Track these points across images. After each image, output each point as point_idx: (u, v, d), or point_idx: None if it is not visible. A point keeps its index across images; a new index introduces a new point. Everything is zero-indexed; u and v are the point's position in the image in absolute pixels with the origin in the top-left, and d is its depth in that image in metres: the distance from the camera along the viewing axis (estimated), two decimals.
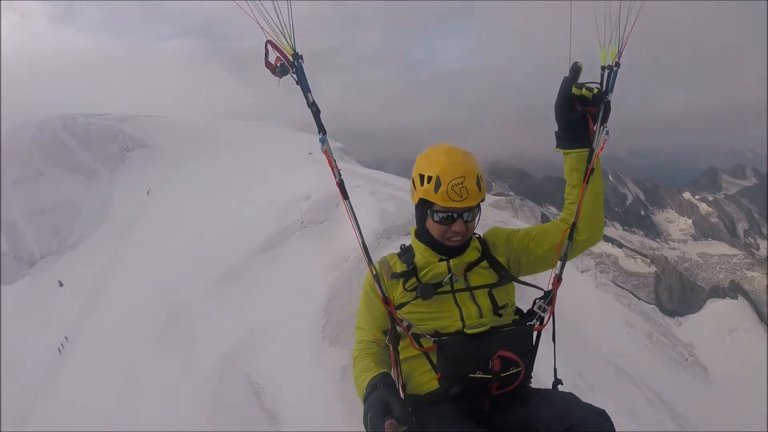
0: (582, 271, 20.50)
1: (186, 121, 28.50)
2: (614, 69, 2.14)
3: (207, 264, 13.06)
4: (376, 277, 2.35)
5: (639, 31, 2.02)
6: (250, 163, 21.17)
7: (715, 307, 29.57)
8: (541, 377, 2.41)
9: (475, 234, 2.50)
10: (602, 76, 2.17)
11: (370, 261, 2.36)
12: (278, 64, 2.09)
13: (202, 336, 10.57)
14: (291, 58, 2.08)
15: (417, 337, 2.27)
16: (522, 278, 2.51)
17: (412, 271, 2.38)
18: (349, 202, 2.32)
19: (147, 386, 9.59)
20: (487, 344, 2.17)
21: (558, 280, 2.41)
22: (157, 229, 16.42)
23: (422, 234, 2.43)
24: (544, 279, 2.41)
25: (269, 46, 2.06)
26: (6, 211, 16.88)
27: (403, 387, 2.41)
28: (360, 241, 2.28)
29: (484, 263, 2.41)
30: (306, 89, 2.14)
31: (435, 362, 2.25)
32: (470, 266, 2.38)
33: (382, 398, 2.04)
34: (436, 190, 2.21)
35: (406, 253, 2.49)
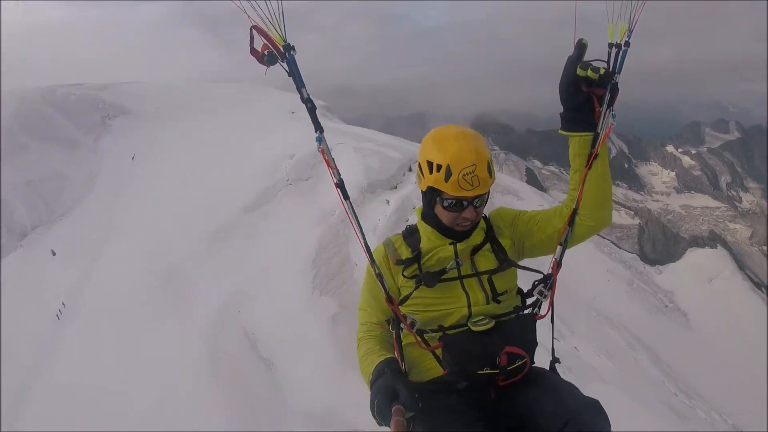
0: None
1: (166, 85, 28.34)
2: (623, 48, 2.00)
3: (197, 225, 13.33)
4: (379, 276, 2.28)
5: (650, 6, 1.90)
6: (232, 124, 21.25)
7: (694, 256, 30.06)
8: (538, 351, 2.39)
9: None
10: (609, 54, 2.05)
11: (372, 262, 2.30)
12: (266, 53, 1.93)
13: (197, 292, 10.93)
14: (282, 50, 1.93)
15: (421, 333, 2.25)
16: (523, 262, 2.45)
17: (415, 258, 2.33)
18: (350, 203, 2.21)
19: (147, 342, 9.93)
20: (494, 340, 2.13)
21: (558, 265, 2.35)
22: (145, 193, 16.57)
23: (429, 218, 2.36)
24: (545, 262, 2.38)
25: (255, 32, 1.90)
26: None
27: (407, 373, 2.36)
28: (362, 242, 2.22)
29: (488, 246, 2.35)
30: (300, 84, 2.02)
31: (441, 357, 2.23)
32: (475, 249, 2.33)
33: (389, 384, 2.03)
34: (446, 180, 2.13)
35: (411, 235, 2.43)
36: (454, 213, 2.21)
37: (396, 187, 13.14)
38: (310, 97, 2.05)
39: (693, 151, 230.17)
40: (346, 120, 30.58)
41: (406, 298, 2.29)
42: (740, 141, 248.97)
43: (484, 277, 2.29)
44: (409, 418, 1.98)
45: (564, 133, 2.19)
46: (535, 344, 2.25)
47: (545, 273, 2.33)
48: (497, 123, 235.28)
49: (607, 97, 2.03)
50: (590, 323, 15.02)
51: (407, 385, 2.02)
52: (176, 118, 22.16)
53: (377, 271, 2.28)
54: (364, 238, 2.21)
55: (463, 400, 2.17)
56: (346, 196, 2.18)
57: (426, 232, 2.36)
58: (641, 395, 11.33)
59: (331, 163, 2.12)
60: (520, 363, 2.12)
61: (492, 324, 2.16)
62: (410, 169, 14.51)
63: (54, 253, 14.48)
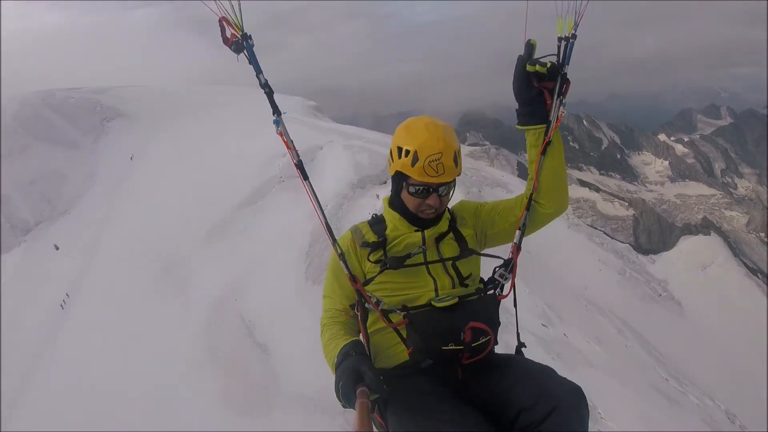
0: None
1: (161, 89, 28.98)
2: (570, 41, 2.10)
3: (195, 220, 13.71)
4: (342, 256, 2.33)
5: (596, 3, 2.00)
6: (225, 124, 21.77)
7: (688, 243, 30.00)
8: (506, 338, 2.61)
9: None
10: (559, 47, 2.14)
11: (334, 241, 2.36)
12: (234, 41, 2.10)
13: (195, 284, 11.26)
14: (240, 39, 2.08)
15: (386, 313, 2.28)
16: (485, 250, 2.54)
17: (381, 243, 2.38)
18: (309, 183, 2.30)
19: (146, 329, 10.24)
20: (457, 316, 2.17)
21: (517, 249, 2.41)
22: (143, 191, 17.00)
23: (396, 204, 2.43)
24: (507, 250, 2.46)
25: (224, 23, 2.08)
26: None
27: (371, 355, 2.38)
28: (323, 221, 2.30)
29: (451, 235, 2.42)
30: (258, 70, 2.17)
31: (405, 336, 2.26)
32: (440, 237, 2.40)
33: (354, 366, 2.02)
34: (413, 165, 2.21)
35: (377, 223, 2.49)
36: (418, 199, 2.29)
37: (386, 182, 13.35)
38: (268, 82, 2.22)
39: (686, 139, 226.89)
40: (336, 119, 30.93)
41: (370, 280, 2.36)
42: (733, 126, 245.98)
43: (449, 263, 2.37)
44: (374, 400, 2.00)
45: (520, 127, 2.32)
46: (498, 324, 2.29)
47: (505, 258, 2.42)
48: (487, 118, 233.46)
49: (557, 87, 2.15)
50: (580, 311, 15.06)
51: (372, 367, 2.03)
52: (172, 120, 22.64)
53: (339, 251, 2.34)
54: (325, 218, 2.31)
55: (431, 380, 2.20)
56: (305, 177, 2.29)
57: (393, 219, 2.44)
58: (629, 379, 11.44)
59: (289, 145, 2.28)
60: (484, 340, 2.17)
61: (455, 300, 2.22)
62: None
63: (57, 248, 14.88)
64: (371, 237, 2.42)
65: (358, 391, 1.88)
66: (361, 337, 2.38)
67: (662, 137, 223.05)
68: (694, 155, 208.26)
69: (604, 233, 27.03)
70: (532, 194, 2.35)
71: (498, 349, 2.36)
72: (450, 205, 2.52)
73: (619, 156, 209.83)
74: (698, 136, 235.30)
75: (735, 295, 24.89)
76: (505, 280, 2.38)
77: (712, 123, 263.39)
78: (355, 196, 13.00)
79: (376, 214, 2.56)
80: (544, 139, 2.23)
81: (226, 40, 2.10)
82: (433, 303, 2.23)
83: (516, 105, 2.30)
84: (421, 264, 2.33)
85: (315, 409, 7.42)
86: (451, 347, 2.12)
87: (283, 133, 2.25)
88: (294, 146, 2.29)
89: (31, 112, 20.85)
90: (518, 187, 22.49)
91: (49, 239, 15.50)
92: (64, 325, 11.49)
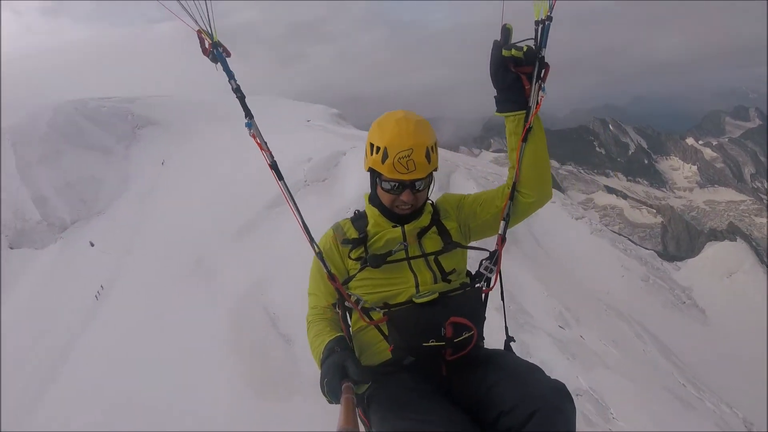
0: (576, 219, 20.56)
1: (189, 98, 29.68)
2: (546, 23, 2.05)
3: (223, 221, 14.23)
4: (320, 255, 2.36)
5: None
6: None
7: (713, 250, 28.43)
8: (496, 336, 2.52)
9: (429, 200, 2.48)
10: (536, 31, 2.08)
11: (311, 240, 2.38)
12: (210, 50, 2.19)
13: (223, 279, 11.76)
14: (210, 48, 2.18)
15: (366, 311, 2.28)
16: (471, 243, 2.51)
17: (361, 240, 2.39)
18: (284, 182, 2.36)
19: (177, 320, 10.77)
20: (438, 311, 2.14)
21: (502, 240, 2.36)
22: (175, 194, 17.69)
23: (375, 200, 2.44)
24: (492, 243, 2.43)
25: (201, 35, 2.17)
26: (34, 186, 18.22)
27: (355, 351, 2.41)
28: (300, 221, 2.33)
29: (434, 229, 2.41)
30: (230, 76, 2.27)
31: (387, 334, 2.25)
32: (422, 231, 2.39)
33: (339, 362, 2.05)
34: (383, 162, 2.21)
35: (359, 219, 2.49)
36: (392, 195, 2.30)
37: None
38: (239, 86, 2.35)
39: (714, 143, 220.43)
40: (358, 126, 31.45)
41: (351, 278, 2.37)
42: (761, 128, 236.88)
43: (431, 258, 2.35)
44: (359, 396, 2.09)
45: (499, 114, 2.26)
46: (483, 318, 2.29)
47: (491, 250, 2.39)
48: None
49: (536, 71, 2.09)
50: (599, 315, 14.95)
51: (356, 362, 2.06)
52: (200, 127, 23.30)
53: (317, 249, 2.37)
54: (302, 218, 2.34)
55: (415, 376, 2.20)
56: (280, 177, 2.37)
57: (373, 216, 2.44)
58: (644, 382, 11.30)
59: (263, 146, 2.36)
60: (467, 335, 2.14)
61: (435, 296, 2.20)
62: None
63: (92, 244, 15.68)
64: (353, 233, 2.45)
65: (344, 387, 1.92)
66: (344, 332, 2.41)
67: (690, 141, 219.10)
68: (723, 159, 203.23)
69: (629, 239, 26.63)
70: (515, 183, 2.32)
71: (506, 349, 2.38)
72: (434, 198, 2.53)
73: (646, 161, 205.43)
74: (727, 140, 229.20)
75: (761, 303, 24.29)
76: (490, 273, 2.36)
77: (740, 125, 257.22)
78: None
79: (358, 210, 2.56)
80: (525, 126, 2.18)
81: (204, 51, 2.20)
82: (413, 299, 2.23)
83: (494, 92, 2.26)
84: (403, 260, 2.34)
85: None
86: (432, 343, 2.10)
87: (256, 135, 2.34)
88: (268, 147, 2.37)
89: (65, 120, 21.69)
90: None
91: (84, 236, 16.37)
92: (98, 314, 12.24)
